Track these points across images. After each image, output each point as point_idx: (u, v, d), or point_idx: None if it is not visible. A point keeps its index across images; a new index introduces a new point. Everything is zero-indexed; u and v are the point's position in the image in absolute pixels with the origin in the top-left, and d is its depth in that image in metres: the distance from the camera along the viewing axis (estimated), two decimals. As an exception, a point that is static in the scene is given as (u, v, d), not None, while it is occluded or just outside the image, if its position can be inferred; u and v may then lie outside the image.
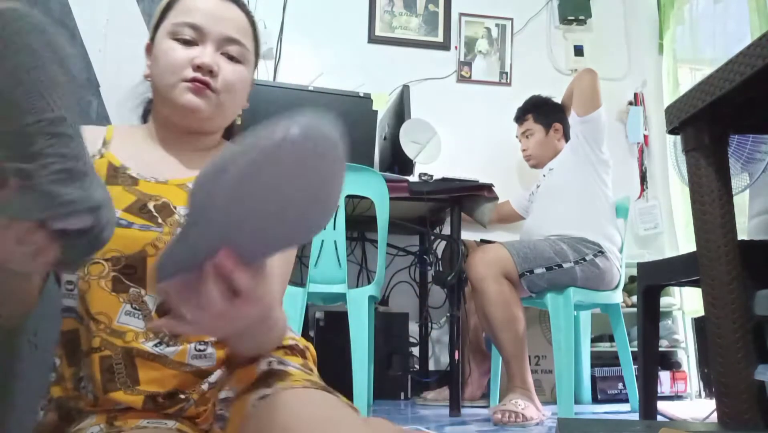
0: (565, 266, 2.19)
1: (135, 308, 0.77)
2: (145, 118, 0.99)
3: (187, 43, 0.86)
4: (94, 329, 0.75)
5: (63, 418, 0.77)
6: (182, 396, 0.77)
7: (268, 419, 0.68)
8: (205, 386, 0.78)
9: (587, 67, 2.58)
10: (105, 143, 0.89)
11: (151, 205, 0.81)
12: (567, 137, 2.70)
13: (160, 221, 0.80)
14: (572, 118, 2.50)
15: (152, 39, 0.91)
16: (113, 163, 0.86)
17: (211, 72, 0.85)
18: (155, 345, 0.76)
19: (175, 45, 0.86)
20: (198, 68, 0.84)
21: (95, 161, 0.85)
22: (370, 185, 2.04)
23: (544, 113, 2.69)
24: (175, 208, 0.83)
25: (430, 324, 2.84)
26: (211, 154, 0.91)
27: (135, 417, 0.75)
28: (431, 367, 2.88)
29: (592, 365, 2.75)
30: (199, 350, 0.78)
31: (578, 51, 3.38)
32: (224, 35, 0.87)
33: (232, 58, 0.88)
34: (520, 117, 2.76)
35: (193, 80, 0.84)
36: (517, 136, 2.80)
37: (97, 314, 0.75)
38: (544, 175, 2.59)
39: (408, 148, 2.32)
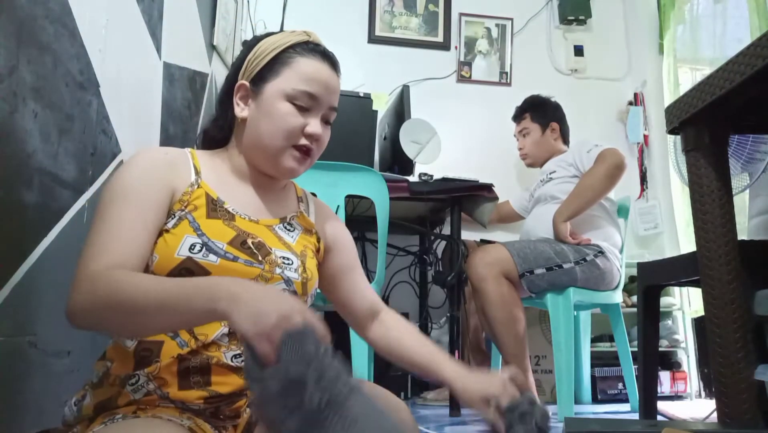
0: (565, 266, 2.19)
1: (230, 332, 0.83)
2: (207, 143, 1.02)
3: (302, 109, 0.92)
4: (189, 343, 0.81)
5: (97, 411, 0.80)
6: (238, 392, 0.84)
7: None
8: None
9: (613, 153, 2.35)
10: (197, 172, 0.92)
11: (250, 242, 0.88)
12: (564, 137, 2.70)
13: (260, 258, 0.88)
14: (585, 158, 2.40)
15: (254, 83, 0.94)
16: (210, 195, 0.90)
17: (317, 139, 0.93)
18: (234, 357, 0.83)
19: (293, 111, 0.91)
20: (309, 136, 0.92)
21: (194, 191, 0.89)
22: (370, 185, 2.03)
23: (541, 113, 2.69)
24: (270, 248, 0.90)
25: (430, 324, 2.84)
26: (285, 194, 1.03)
27: (158, 411, 0.79)
28: (431, 367, 2.87)
29: (592, 365, 2.75)
30: None
31: (578, 51, 3.38)
32: (331, 105, 0.96)
33: (327, 122, 0.96)
34: (518, 116, 2.76)
35: (301, 148, 0.92)
36: (515, 135, 2.80)
37: (199, 334, 0.81)
38: (542, 180, 2.58)
39: (408, 148, 2.32)
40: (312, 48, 0.95)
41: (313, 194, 1.11)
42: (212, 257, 0.83)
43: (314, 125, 0.92)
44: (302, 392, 0.57)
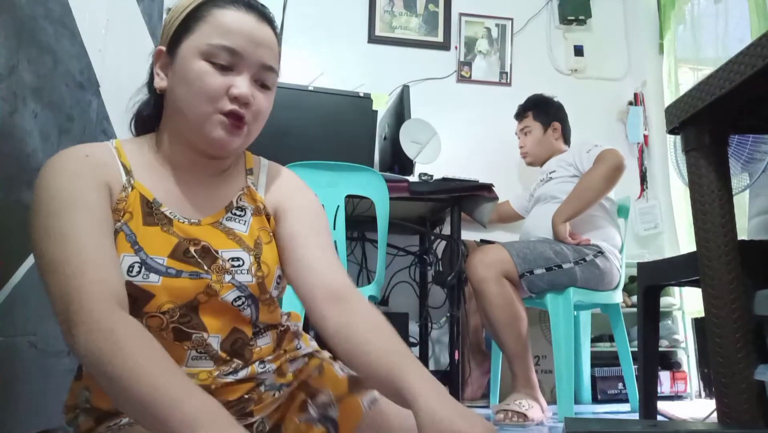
0: (564, 266, 2.19)
1: (201, 352, 0.79)
2: (138, 128, 0.91)
3: (223, 68, 0.80)
4: None
5: (97, 422, 0.79)
6: (246, 397, 0.83)
7: (388, 417, 0.82)
8: (262, 388, 0.86)
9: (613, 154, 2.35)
10: (128, 171, 0.82)
11: (192, 250, 0.80)
12: (565, 138, 2.70)
13: (206, 267, 0.80)
14: (585, 158, 2.41)
15: (170, 47, 0.83)
16: (146, 196, 0.81)
17: (246, 103, 0.81)
18: (229, 374, 0.81)
19: (211, 69, 0.79)
20: (234, 99, 0.80)
21: (128, 196, 0.80)
22: (370, 185, 2.03)
23: (544, 112, 2.69)
24: (217, 252, 0.82)
25: (430, 324, 2.84)
26: (229, 173, 0.90)
27: None
28: (431, 367, 2.88)
29: (592, 365, 2.75)
30: (262, 366, 0.86)
31: (578, 51, 3.38)
32: (261, 63, 0.82)
33: (263, 85, 0.84)
34: (520, 114, 2.76)
35: (229, 114, 0.79)
36: (516, 133, 2.80)
37: None
38: (542, 180, 2.58)
39: (408, 148, 2.32)
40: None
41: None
42: (153, 277, 0.76)
43: (240, 86, 0.79)
44: None
